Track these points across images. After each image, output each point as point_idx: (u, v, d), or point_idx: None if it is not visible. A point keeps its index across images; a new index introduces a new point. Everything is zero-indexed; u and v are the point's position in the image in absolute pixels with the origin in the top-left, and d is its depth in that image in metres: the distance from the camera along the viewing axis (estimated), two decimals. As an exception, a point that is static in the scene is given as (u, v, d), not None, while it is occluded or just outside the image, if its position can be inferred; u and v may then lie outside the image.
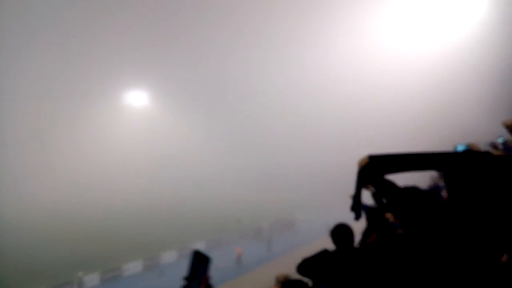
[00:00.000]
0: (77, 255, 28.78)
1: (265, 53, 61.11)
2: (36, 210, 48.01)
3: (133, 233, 35.45)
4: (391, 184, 2.75)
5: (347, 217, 3.32)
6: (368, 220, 3.59)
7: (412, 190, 2.83)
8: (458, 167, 2.86)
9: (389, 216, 3.81)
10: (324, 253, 3.32)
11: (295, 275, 3.45)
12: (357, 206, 3.07)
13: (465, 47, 34.57)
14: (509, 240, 1.82)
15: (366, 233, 3.69)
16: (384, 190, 2.79)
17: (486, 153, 2.88)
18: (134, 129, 70.53)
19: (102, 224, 39.49)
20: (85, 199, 53.91)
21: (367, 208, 4.26)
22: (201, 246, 33.27)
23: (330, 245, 3.44)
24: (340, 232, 3.26)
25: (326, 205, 46.89)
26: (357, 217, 3.13)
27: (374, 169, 2.89)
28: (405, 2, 46.81)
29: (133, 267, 27.47)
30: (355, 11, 51.25)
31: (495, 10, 31.62)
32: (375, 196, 4.78)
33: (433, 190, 4.80)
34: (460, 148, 5.12)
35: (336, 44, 55.61)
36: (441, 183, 6.08)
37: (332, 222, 5.14)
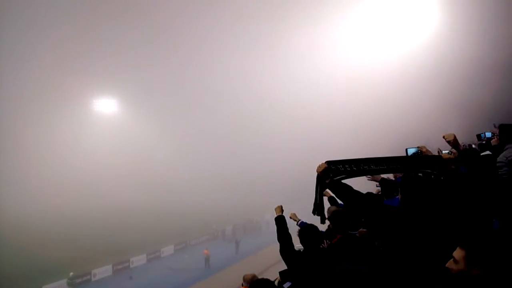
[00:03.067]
0: (46, 260, 27.28)
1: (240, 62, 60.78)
2: (3, 216, 45.26)
3: (102, 238, 34.13)
4: (348, 188, 2.78)
5: (308, 217, 3.33)
6: (333, 221, 3.59)
7: (368, 195, 2.88)
8: (412, 169, 2.93)
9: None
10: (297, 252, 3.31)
11: (262, 275, 3.41)
12: (320, 210, 3.08)
13: (416, 58, 35.93)
14: (460, 238, 1.87)
15: (330, 234, 3.69)
16: (342, 194, 2.81)
17: (436, 156, 2.98)
18: (106, 135, 68.39)
19: (71, 229, 37.71)
20: (53, 205, 51.44)
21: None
22: (169, 249, 32.60)
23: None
24: (308, 233, 3.25)
25: (289, 208, 47.17)
26: (323, 221, 3.14)
27: (332, 174, 2.91)
28: (355, 13, 47.90)
29: (102, 271, 26.44)
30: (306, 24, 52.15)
31: (447, 22, 33.02)
32: (331, 200, 4.82)
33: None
34: (411, 151, 5.22)
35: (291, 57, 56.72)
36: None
37: (294, 223, 5.16)
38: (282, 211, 3.74)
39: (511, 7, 26.08)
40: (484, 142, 6.23)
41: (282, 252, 3.32)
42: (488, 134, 6.78)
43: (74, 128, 67.55)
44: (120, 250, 30.22)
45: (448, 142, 3.02)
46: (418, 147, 3.68)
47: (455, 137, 2.99)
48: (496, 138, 3.96)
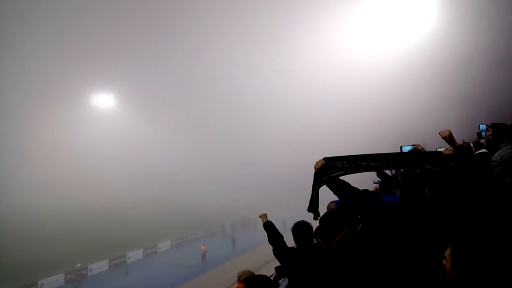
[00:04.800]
0: (43, 255, 27.21)
1: (238, 58, 60.42)
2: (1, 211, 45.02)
3: (99, 233, 34.05)
4: (346, 185, 2.77)
5: (302, 213, 3.32)
6: (335, 217, 3.54)
7: (365, 192, 2.87)
8: (411, 166, 2.92)
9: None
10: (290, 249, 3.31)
11: (258, 271, 3.41)
12: (314, 207, 3.07)
13: (412, 55, 35.75)
14: (455, 235, 1.87)
15: (331, 231, 3.62)
16: (339, 191, 2.80)
17: (437, 152, 2.97)
18: (101, 131, 67.99)
19: (68, 224, 37.59)
20: (50, 200, 51.22)
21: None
22: (166, 245, 32.54)
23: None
24: (301, 229, 3.24)
25: (284, 203, 48.15)
26: (316, 217, 3.12)
27: (329, 171, 2.90)
28: (352, 14, 47.54)
29: (98, 266, 26.41)
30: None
31: (444, 18, 32.88)
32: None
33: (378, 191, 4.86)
34: (406, 148, 5.15)
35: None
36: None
37: (289, 218, 5.16)
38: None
39: (508, 2, 26.02)
40: (481, 140, 6.21)
41: (276, 253, 3.37)
42: (483, 127, 6.82)
43: (71, 125, 67.13)
44: (117, 245, 30.19)
45: (444, 138, 3.01)
46: (413, 144, 3.65)
47: (450, 133, 2.99)
48: (490, 131, 3.98)
